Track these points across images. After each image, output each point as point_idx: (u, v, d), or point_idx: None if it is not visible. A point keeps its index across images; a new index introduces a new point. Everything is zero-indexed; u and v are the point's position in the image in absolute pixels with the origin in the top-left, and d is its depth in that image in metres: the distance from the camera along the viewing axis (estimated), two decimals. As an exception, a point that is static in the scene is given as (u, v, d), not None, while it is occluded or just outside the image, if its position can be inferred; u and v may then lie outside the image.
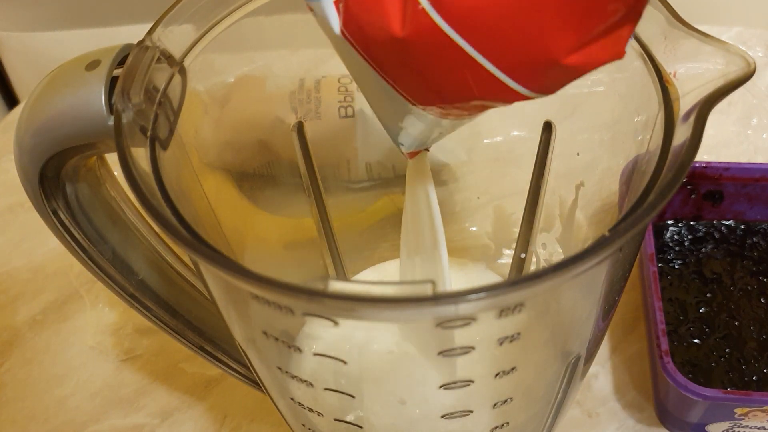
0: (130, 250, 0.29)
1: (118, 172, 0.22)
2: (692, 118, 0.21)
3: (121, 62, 0.24)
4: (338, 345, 0.23)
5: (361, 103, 0.38)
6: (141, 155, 0.22)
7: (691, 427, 0.35)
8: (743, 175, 0.40)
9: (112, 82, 0.23)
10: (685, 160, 0.20)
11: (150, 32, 0.24)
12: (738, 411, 0.33)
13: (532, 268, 0.35)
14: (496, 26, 0.18)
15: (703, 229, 0.42)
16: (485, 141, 0.37)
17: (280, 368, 0.25)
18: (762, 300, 0.39)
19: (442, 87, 0.20)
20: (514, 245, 0.35)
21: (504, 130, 0.36)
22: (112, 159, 0.23)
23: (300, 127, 0.34)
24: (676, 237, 0.42)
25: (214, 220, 0.28)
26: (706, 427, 0.35)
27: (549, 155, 0.32)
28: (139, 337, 0.42)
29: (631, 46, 0.24)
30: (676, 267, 0.40)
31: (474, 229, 0.38)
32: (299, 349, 0.23)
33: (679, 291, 0.39)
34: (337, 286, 0.17)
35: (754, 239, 0.41)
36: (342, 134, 0.38)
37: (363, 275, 0.36)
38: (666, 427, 0.37)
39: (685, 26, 0.23)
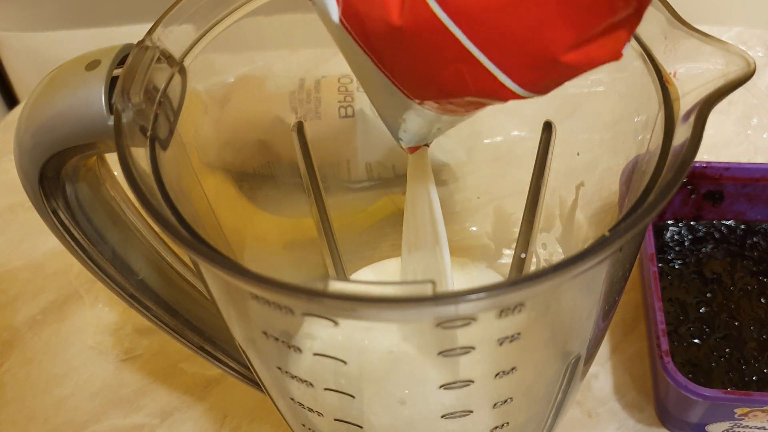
0: (130, 250, 0.29)
1: (118, 172, 0.22)
2: (692, 118, 0.21)
3: (121, 62, 0.24)
4: (338, 345, 0.23)
5: (361, 103, 0.38)
6: (141, 155, 0.22)
7: (691, 427, 0.35)
8: (743, 175, 0.40)
9: (112, 82, 0.23)
10: (685, 160, 0.20)
11: (150, 32, 0.24)
12: (738, 411, 0.33)
13: (532, 268, 0.35)
14: (496, 19, 0.18)
15: (703, 229, 0.42)
16: (485, 141, 0.37)
17: (280, 368, 0.25)
18: (762, 300, 0.39)
19: (436, 81, 0.20)
20: (514, 245, 0.35)
21: (504, 130, 0.36)
22: (112, 159, 0.23)
23: (300, 127, 0.34)
24: (676, 237, 0.42)
25: (214, 220, 0.28)
26: (706, 427, 0.35)
27: (549, 155, 0.32)
28: (139, 337, 0.42)
29: (631, 46, 0.24)
30: (676, 267, 0.40)
31: (474, 229, 0.38)
32: (299, 349, 0.23)
33: (679, 291, 0.39)
34: (337, 286, 0.17)
35: (754, 239, 0.41)
36: (342, 134, 0.38)
37: (361, 273, 0.36)
38: (666, 427, 0.37)
39: (685, 26, 0.23)
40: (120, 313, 0.43)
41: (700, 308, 0.39)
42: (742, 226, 0.42)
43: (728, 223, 0.42)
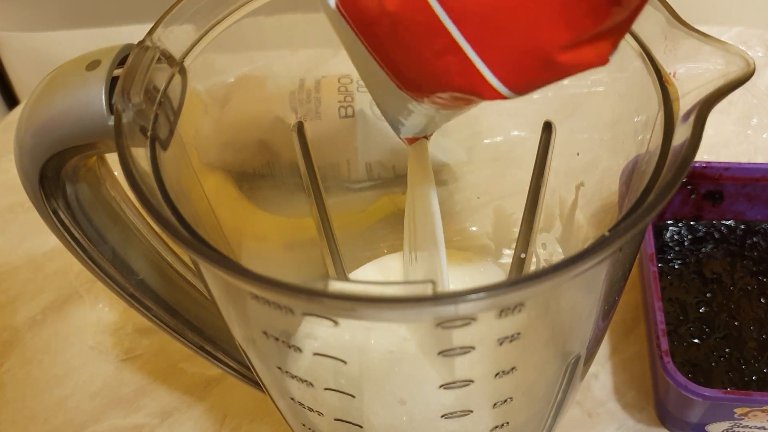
0: (130, 250, 0.29)
1: (118, 172, 0.22)
2: (692, 118, 0.21)
3: (121, 62, 0.24)
4: (338, 345, 0.23)
5: (361, 103, 0.38)
6: (141, 155, 0.22)
7: (691, 427, 0.35)
8: (743, 175, 0.40)
9: (113, 82, 0.23)
10: (684, 160, 0.20)
11: (150, 32, 0.24)
12: (738, 411, 0.33)
13: (532, 268, 0.35)
14: (489, 14, 0.18)
15: (703, 229, 0.42)
16: (485, 141, 0.37)
17: (280, 368, 0.25)
18: (762, 300, 0.39)
19: (424, 73, 0.20)
20: (514, 245, 0.35)
21: (504, 130, 0.36)
22: (113, 159, 0.23)
23: (300, 127, 0.34)
24: (676, 237, 0.42)
25: (214, 220, 0.28)
26: (706, 427, 0.35)
27: (549, 155, 0.32)
28: (139, 337, 0.42)
29: (631, 46, 0.24)
30: (676, 267, 0.40)
31: (474, 229, 0.38)
32: (299, 349, 0.23)
33: (679, 291, 0.39)
34: (337, 286, 0.17)
35: (754, 239, 0.41)
36: (342, 134, 0.38)
37: (362, 269, 0.36)
38: (666, 427, 0.37)
39: (685, 26, 0.23)
40: (120, 313, 0.43)
41: (700, 308, 0.39)
42: (742, 226, 0.42)
43: (728, 223, 0.42)
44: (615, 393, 0.38)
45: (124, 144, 0.21)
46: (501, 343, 0.21)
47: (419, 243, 0.29)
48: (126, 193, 0.29)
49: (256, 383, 0.31)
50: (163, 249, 0.31)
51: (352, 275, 0.36)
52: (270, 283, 0.18)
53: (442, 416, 0.25)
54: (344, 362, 0.23)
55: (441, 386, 0.24)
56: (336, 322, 0.19)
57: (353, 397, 0.25)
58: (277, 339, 0.23)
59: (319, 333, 0.25)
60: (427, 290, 0.17)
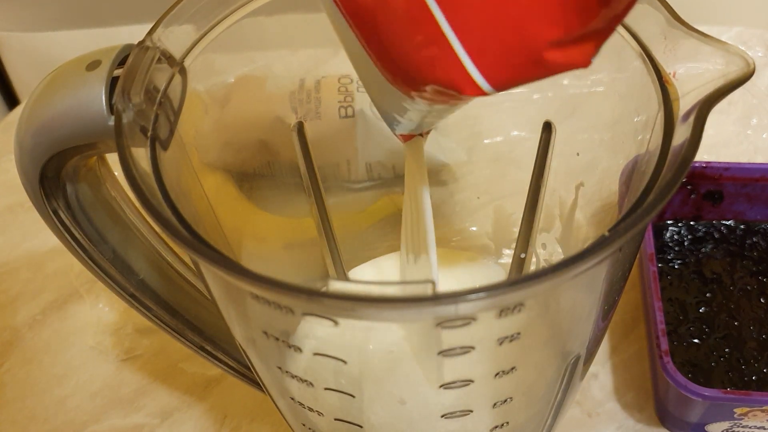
0: (131, 250, 0.29)
1: (118, 172, 0.22)
2: (692, 118, 0.21)
3: (121, 62, 0.24)
4: (338, 344, 0.23)
5: (361, 103, 0.38)
6: (141, 155, 0.22)
7: (691, 427, 0.35)
8: (743, 175, 0.40)
9: (113, 82, 0.23)
10: (684, 160, 0.20)
11: (150, 32, 0.24)
12: (738, 411, 0.33)
13: (532, 268, 0.35)
14: (479, 6, 0.17)
15: (703, 229, 0.42)
16: (485, 141, 0.37)
17: (280, 368, 0.25)
18: (762, 300, 0.39)
19: (409, 63, 0.20)
20: (514, 245, 0.35)
21: (504, 130, 0.36)
22: (113, 159, 0.23)
23: (300, 127, 0.34)
24: (676, 237, 0.42)
25: (214, 220, 0.28)
26: (705, 427, 0.35)
27: (549, 155, 0.32)
28: (139, 337, 0.42)
29: (631, 46, 0.24)
30: (676, 267, 0.40)
31: (474, 229, 0.38)
32: (299, 349, 0.23)
33: (679, 291, 0.39)
34: (337, 286, 0.17)
35: (754, 239, 0.41)
36: (342, 134, 0.38)
37: (359, 269, 0.36)
38: (666, 427, 0.37)
39: (685, 26, 0.23)
40: (120, 313, 0.43)
41: (700, 308, 0.39)
42: (742, 226, 0.42)
43: (728, 223, 0.42)
44: (615, 393, 0.38)
45: (125, 144, 0.21)
46: (501, 343, 0.21)
47: (413, 241, 0.29)
48: (126, 193, 0.29)
49: (256, 383, 0.31)
50: (164, 249, 0.31)
51: (348, 274, 0.36)
52: (270, 283, 0.18)
53: (442, 416, 0.25)
54: (344, 362, 0.23)
55: (441, 386, 0.24)
56: (336, 322, 0.19)
57: (353, 396, 0.25)
58: (277, 339, 0.23)
59: (319, 333, 0.25)
60: (427, 290, 0.17)
